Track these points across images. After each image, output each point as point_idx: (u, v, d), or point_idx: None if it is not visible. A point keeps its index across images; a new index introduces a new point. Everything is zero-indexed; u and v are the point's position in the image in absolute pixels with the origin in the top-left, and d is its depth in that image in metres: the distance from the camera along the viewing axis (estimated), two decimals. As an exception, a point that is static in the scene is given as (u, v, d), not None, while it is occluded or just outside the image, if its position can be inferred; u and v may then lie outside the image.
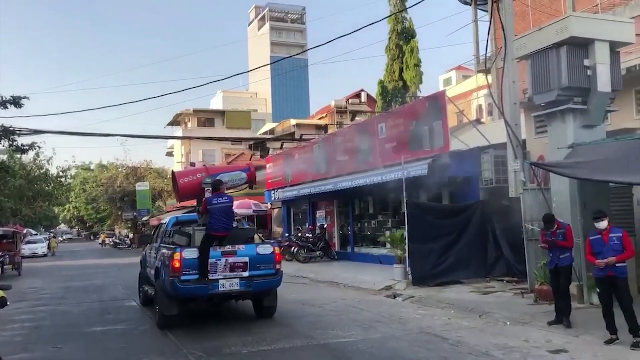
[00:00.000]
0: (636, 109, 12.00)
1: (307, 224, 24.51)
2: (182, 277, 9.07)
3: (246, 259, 9.43)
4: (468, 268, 13.95)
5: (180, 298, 9.47)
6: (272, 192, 26.28)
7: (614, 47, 10.22)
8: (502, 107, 13.08)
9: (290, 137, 38.27)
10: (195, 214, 11.05)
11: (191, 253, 9.22)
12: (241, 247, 9.56)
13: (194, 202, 11.75)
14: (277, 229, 30.36)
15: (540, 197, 10.72)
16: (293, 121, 45.55)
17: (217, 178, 10.13)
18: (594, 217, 7.68)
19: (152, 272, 10.90)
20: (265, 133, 48.88)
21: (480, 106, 32.24)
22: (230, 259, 9.35)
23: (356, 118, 41.40)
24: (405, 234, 13.92)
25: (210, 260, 9.20)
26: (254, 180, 11.38)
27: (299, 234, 23.23)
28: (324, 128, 41.73)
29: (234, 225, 10.29)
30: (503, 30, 12.69)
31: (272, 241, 11.17)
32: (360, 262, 20.04)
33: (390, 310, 11.02)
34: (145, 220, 45.12)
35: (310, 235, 22.30)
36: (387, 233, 16.78)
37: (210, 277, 9.20)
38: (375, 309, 11.11)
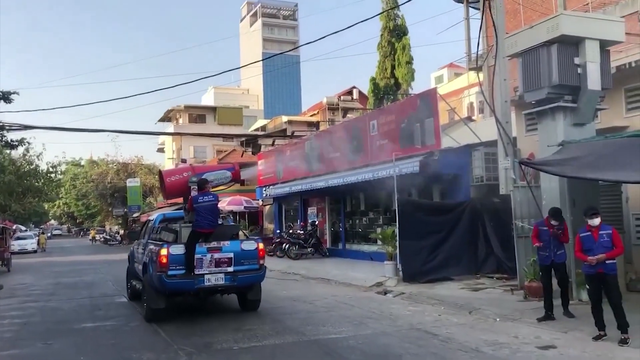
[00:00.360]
0: (626, 107, 12.05)
1: (298, 221, 24.46)
2: (169, 272, 9.41)
3: (231, 255, 9.78)
4: (458, 265, 14.02)
5: (167, 292, 9.80)
6: (264, 188, 26.24)
7: (604, 46, 10.26)
8: (493, 105, 13.16)
9: (281, 134, 38.19)
10: (182, 211, 11.34)
11: (178, 249, 9.59)
12: (226, 244, 9.89)
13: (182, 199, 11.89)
14: (269, 226, 30.31)
15: (530, 194, 10.77)
16: (285, 118, 45.41)
17: (203, 177, 10.43)
18: (589, 213, 7.70)
19: (140, 267, 11.08)
20: (256, 130, 48.74)
21: (471, 104, 32.26)
22: (216, 255, 9.69)
23: (348, 115, 41.32)
24: (397, 231, 13.96)
25: (196, 256, 9.53)
26: (238, 179, 11.72)
27: (290, 231, 23.20)
28: (316, 125, 41.66)
29: (220, 222, 10.59)
30: (494, 28, 12.75)
31: (256, 238, 11.50)
32: (351, 258, 20.06)
33: (381, 306, 11.04)
34: (136, 217, 44.91)
35: (302, 232, 22.28)
36: (379, 230, 16.82)
37: (196, 272, 9.54)
38: (366, 306, 11.13)
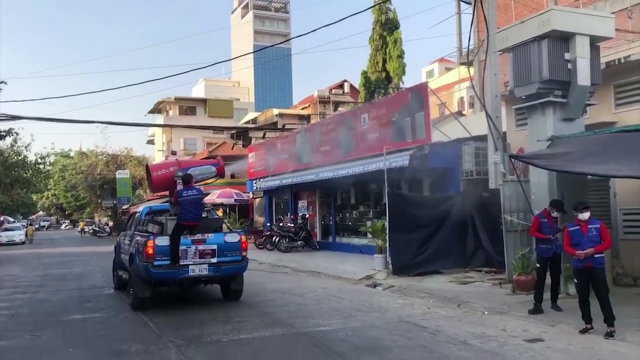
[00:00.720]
0: (614, 103, 12.11)
1: (289, 214, 24.46)
2: (155, 263, 9.82)
3: (215, 247, 10.22)
4: (448, 258, 14.10)
5: (153, 282, 10.22)
6: (254, 181, 26.21)
7: (595, 42, 10.27)
8: (484, 100, 13.22)
9: (272, 126, 38.12)
10: (168, 204, 11.73)
11: (163, 241, 9.98)
12: (210, 236, 10.31)
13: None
14: (259, 219, 30.30)
15: (520, 189, 10.83)
16: (276, 111, 45.33)
17: (188, 172, 10.83)
18: (580, 207, 7.74)
19: (127, 257, 11.49)
20: (247, 122, 48.59)
21: (462, 98, 32.41)
22: (200, 247, 10.11)
23: (339, 109, 41.32)
24: (386, 224, 14.00)
25: (181, 248, 9.93)
26: (223, 174, 12.16)
27: (281, 224, 23.19)
28: (307, 118, 41.63)
29: (204, 215, 11.02)
30: (486, 23, 12.77)
31: (239, 231, 12.22)
32: (341, 252, 20.12)
33: (371, 299, 11.09)
34: (126, 209, 44.78)
35: (292, 225, 22.27)
36: (369, 223, 16.88)
37: (181, 263, 9.95)
38: (355, 298, 11.17)
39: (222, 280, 10.97)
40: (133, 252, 10.76)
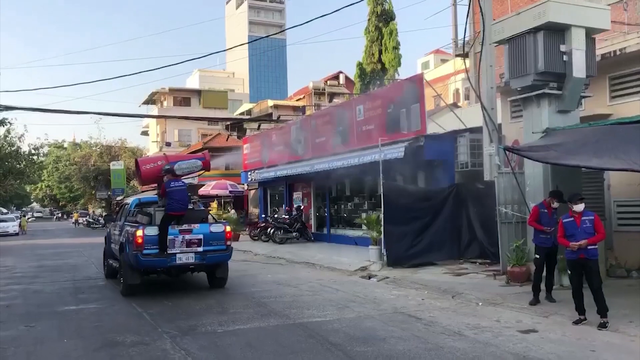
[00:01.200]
0: (609, 95, 12.13)
1: (284, 206, 24.47)
2: (144, 251, 10.42)
3: (201, 236, 10.86)
4: (442, 250, 14.18)
5: (142, 269, 10.86)
6: (249, 173, 26.18)
7: (590, 34, 10.27)
8: (479, 91, 13.22)
9: (267, 118, 38.01)
10: (156, 196, 12.36)
11: (152, 230, 10.58)
12: (196, 226, 10.96)
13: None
14: (254, 210, 30.28)
15: (514, 181, 10.87)
16: (270, 102, 45.14)
17: (175, 165, 11.56)
18: (575, 199, 7.77)
19: (117, 247, 12.05)
20: (242, 114, 48.48)
21: (457, 90, 32.40)
22: (187, 236, 10.75)
23: (334, 100, 41.28)
24: (381, 216, 14.03)
25: (169, 237, 10.58)
26: (208, 168, 12.75)
27: (276, 215, 23.23)
28: (302, 109, 41.46)
29: (190, 207, 11.58)
30: (482, 14, 12.77)
31: (223, 221, 13.04)
32: (336, 243, 20.19)
33: (365, 290, 11.14)
34: (119, 200, 44.77)
35: (287, 217, 22.32)
36: (363, 215, 16.88)
37: (169, 252, 10.57)
38: (350, 289, 11.23)
39: (208, 268, 11.54)
40: (123, 241, 11.29)
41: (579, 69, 9.83)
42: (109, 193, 47.67)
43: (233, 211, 28.52)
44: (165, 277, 12.01)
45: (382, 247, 13.98)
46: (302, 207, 22.89)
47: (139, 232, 10.41)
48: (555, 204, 9.02)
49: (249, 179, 26.64)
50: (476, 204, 13.91)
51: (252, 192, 30.55)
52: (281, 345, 7.11)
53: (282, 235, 21.49)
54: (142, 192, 36.67)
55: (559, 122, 10.13)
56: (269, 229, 22.13)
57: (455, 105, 24.00)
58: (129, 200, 14.28)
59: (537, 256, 9.24)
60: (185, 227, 10.77)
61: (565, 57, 9.93)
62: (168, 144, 49.27)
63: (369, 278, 12.79)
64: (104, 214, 54.61)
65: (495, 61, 13.20)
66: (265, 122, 35.50)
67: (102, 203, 55.91)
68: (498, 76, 13.61)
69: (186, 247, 10.71)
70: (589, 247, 7.61)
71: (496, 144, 12.52)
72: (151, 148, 54.73)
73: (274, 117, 36.51)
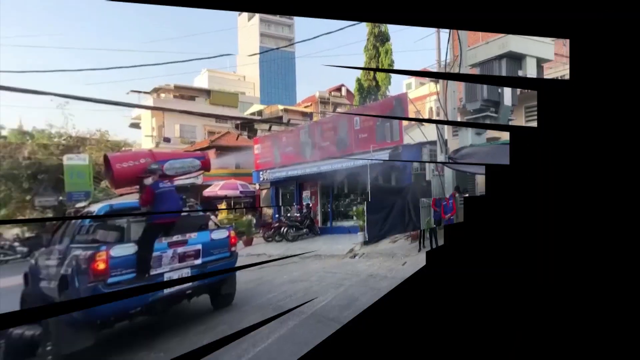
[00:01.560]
0: (525, 121, 15.17)
1: (295, 205, 25.15)
2: (110, 280, 7.09)
3: (199, 247, 8.68)
4: (396, 228, 17.52)
5: (99, 319, 7.11)
6: (261, 172, 26.33)
7: (540, 63, 12.70)
8: (446, 111, 16.38)
9: (278, 120, 37.34)
10: (136, 200, 8.96)
11: (123, 250, 7.51)
12: (193, 235, 8.71)
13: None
14: (267, 211, 28.18)
15: (438, 180, 14.55)
16: (281, 106, 44.42)
17: (166, 165, 9.40)
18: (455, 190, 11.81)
19: (54, 284, 7.74)
20: (252, 114, 44.76)
21: (431, 108, 34.67)
22: (180, 249, 8.39)
23: (337, 110, 42.16)
24: (364, 208, 17.50)
25: (154, 254, 7.96)
26: (208, 169, 10.95)
27: (289, 214, 23.75)
28: (310, 115, 42.10)
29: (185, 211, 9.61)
30: (459, 41, 14.70)
31: (227, 226, 10.54)
32: (337, 234, 22.27)
33: (352, 268, 13.26)
34: (81, 207, 19.35)
35: (298, 215, 23.21)
36: (354, 209, 20.30)
37: (152, 273, 7.72)
38: (343, 270, 12.98)
39: (210, 288, 9.19)
40: (68, 273, 7.35)
41: (507, 98, 12.98)
42: (61, 198, 30.21)
43: (250, 216, 25.40)
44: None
45: (365, 232, 17.33)
46: (310, 205, 24.38)
47: (101, 254, 7.09)
48: (457, 195, 12.76)
49: (261, 179, 26.62)
50: (418, 196, 17.30)
51: (264, 192, 29.88)
52: (296, 343, 7.05)
53: (295, 233, 22.21)
54: (120, 195, 26.10)
55: (476, 140, 13.37)
56: (282, 229, 22.31)
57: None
58: (95, 207, 9.20)
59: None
60: (177, 238, 8.33)
61: (499, 89, 12.87)
62: (167, 140, 41.09)
63: (354, 257, 15.65)
64: (26, 234, 32.40)
65: (457, 87, 16.27)
66: (276, 124, 34.43)
67: (46, 213, 31.21)
68: (459, 100, 16.75)
69: (178, 262, 8.18)
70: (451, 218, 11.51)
71: (444, 155, 15.54)
72: (144, 143, 44.43)
73: (284, 120, 35.55)
